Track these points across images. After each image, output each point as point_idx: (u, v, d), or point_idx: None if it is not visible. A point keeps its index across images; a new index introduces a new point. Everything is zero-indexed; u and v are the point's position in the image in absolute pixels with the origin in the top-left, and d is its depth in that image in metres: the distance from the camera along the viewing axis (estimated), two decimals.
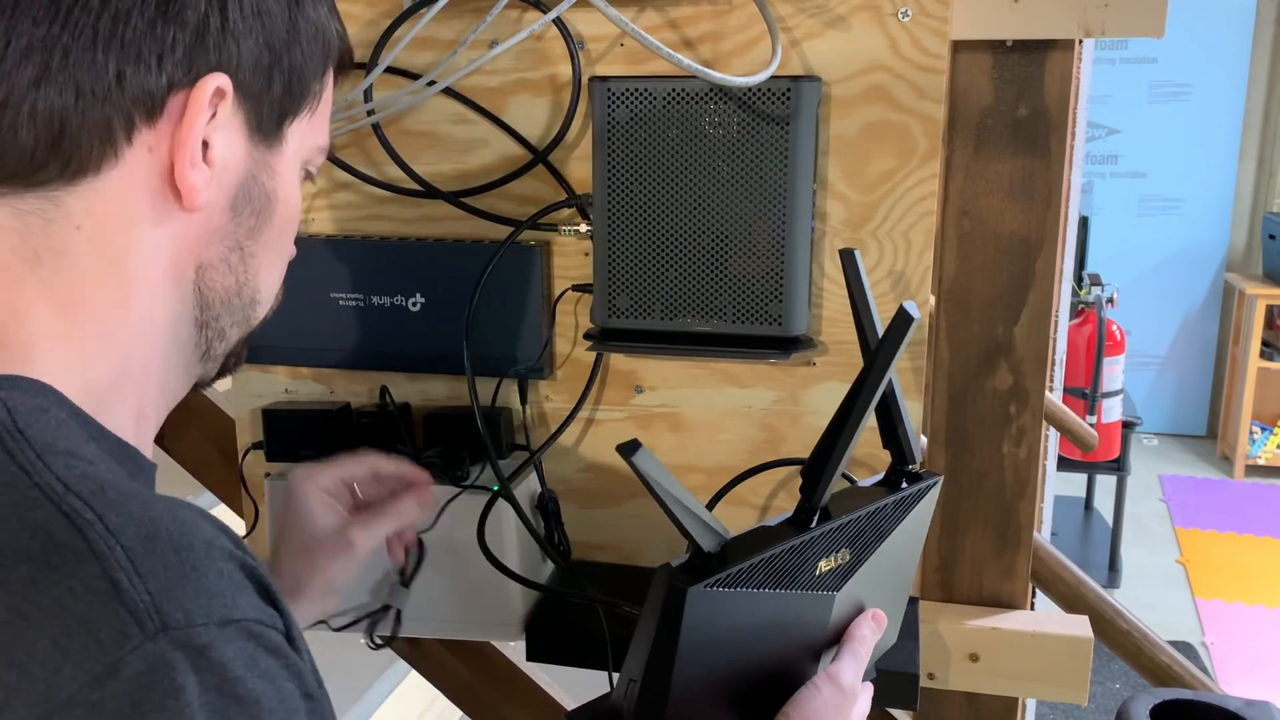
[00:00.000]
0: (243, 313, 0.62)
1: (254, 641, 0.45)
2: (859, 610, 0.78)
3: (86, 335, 0.55)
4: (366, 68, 0.99)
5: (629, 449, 0.67)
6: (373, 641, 1.02)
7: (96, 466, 0.49)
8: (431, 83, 0.94)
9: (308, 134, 0.63)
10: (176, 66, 0.54)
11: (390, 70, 0.99)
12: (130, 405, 0.57)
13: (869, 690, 0.78)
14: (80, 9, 0.53)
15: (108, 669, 0.42)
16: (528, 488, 1.03)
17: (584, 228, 0.98)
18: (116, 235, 0.55)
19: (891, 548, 0.77)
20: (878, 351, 0.67)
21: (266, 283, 0.64)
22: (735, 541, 0.70)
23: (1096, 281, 3.78)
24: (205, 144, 0.56)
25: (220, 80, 0.55)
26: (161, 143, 0.55)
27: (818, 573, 0.73)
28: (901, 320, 0.66)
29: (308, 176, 0.67)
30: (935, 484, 0.80)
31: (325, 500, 0.88)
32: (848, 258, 0.76)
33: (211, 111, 0.56)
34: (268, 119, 0.59)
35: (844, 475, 0.94)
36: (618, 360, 1.02)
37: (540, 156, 0.99)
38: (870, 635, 0.76)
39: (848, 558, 0.74)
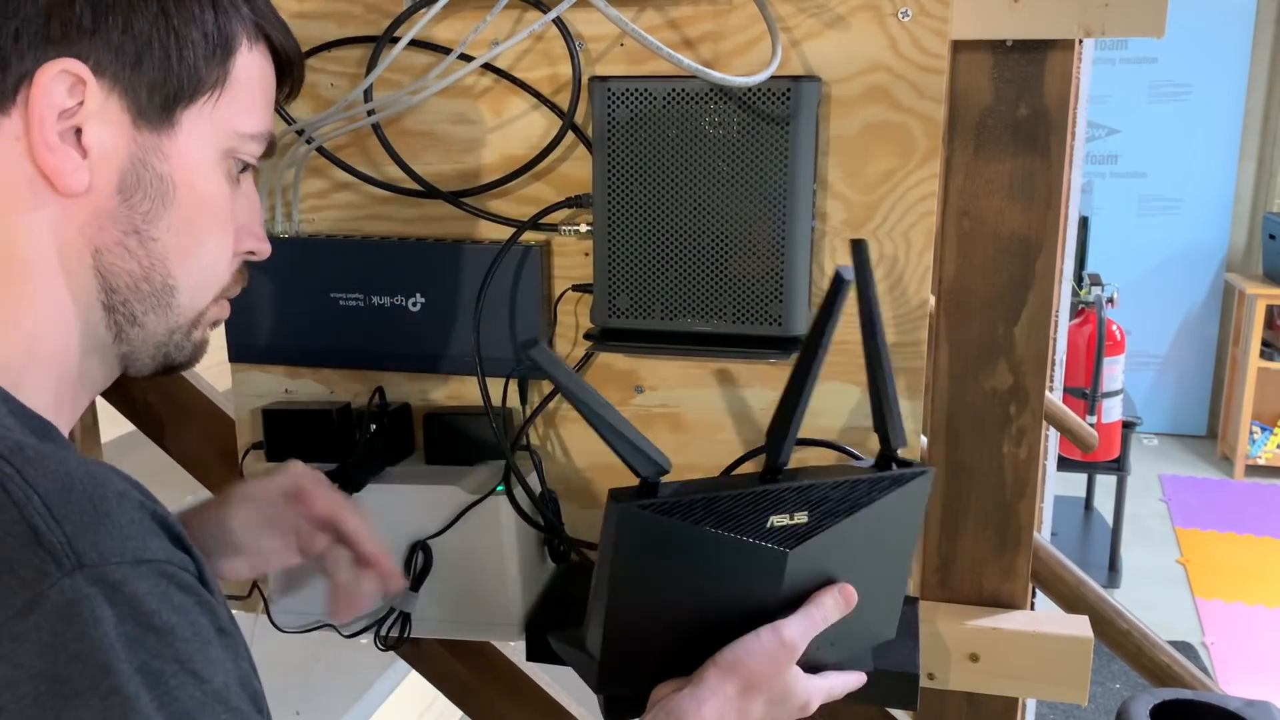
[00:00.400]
0: (156, 299, 0.63)
1: (166, 579, 0.49)
2: (827, 584, 0.79)
3: None
4: (367, 68, 0.99)
5: (529, 344, 0.72)
6: (381, 644, 1.02)
7: (14, 432, 0.52)
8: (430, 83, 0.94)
9: (219, 121, 0.64)
10: (24, 58, 0.57)
11: (416, 44, 0.98)
12: (47, 386, 0.60)
13: (836, 681, 0.80)
14: None
15: (29, 603, 0.45)
16: (533, 485, 1.03)
17: (584, 228, 0.98)
18: (3, 221, 0.58)
19: (866, 527, 0.78)
20: (818, 316, 0.72)
21: (183, 269, 0.64)
22: (692, 483, 0.75)
23: (1096, 281, 3.78)
24: (79, 131, 0.58)
25: (68, 64, 0.57)
26: (24, 131, 0.57)
27: (769, 525, 0.76)
28: (837, 284, 0.70)
29: (245, 167, 0.67)
30: (920, 475, 0.80)
31: (283, 490, 0.87)
32: (859, 248, 0.78)
33: (77, 100, 0.58)
34: (150, 105, 0.60)
35: (848, 452, 0.95)
36: (618, 360, 1.02)
37: (569, 121, 0.99)
38: (832, 605, 0.77)
39: (805, 520, 0.76)
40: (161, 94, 0.61)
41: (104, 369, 0.64)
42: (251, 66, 0.65)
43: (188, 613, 0.49)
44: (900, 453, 0.80)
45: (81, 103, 0.58)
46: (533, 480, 1.04)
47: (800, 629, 0.75)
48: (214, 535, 0.84)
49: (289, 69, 0.70)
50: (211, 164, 0.64)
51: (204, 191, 0.64)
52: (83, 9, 0.58)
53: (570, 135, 0.98)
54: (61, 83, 0.57)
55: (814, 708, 0.79)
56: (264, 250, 0.72)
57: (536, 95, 0.98)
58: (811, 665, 0.79)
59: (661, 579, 0.76)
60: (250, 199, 0.70)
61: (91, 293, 0.61)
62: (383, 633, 1.00)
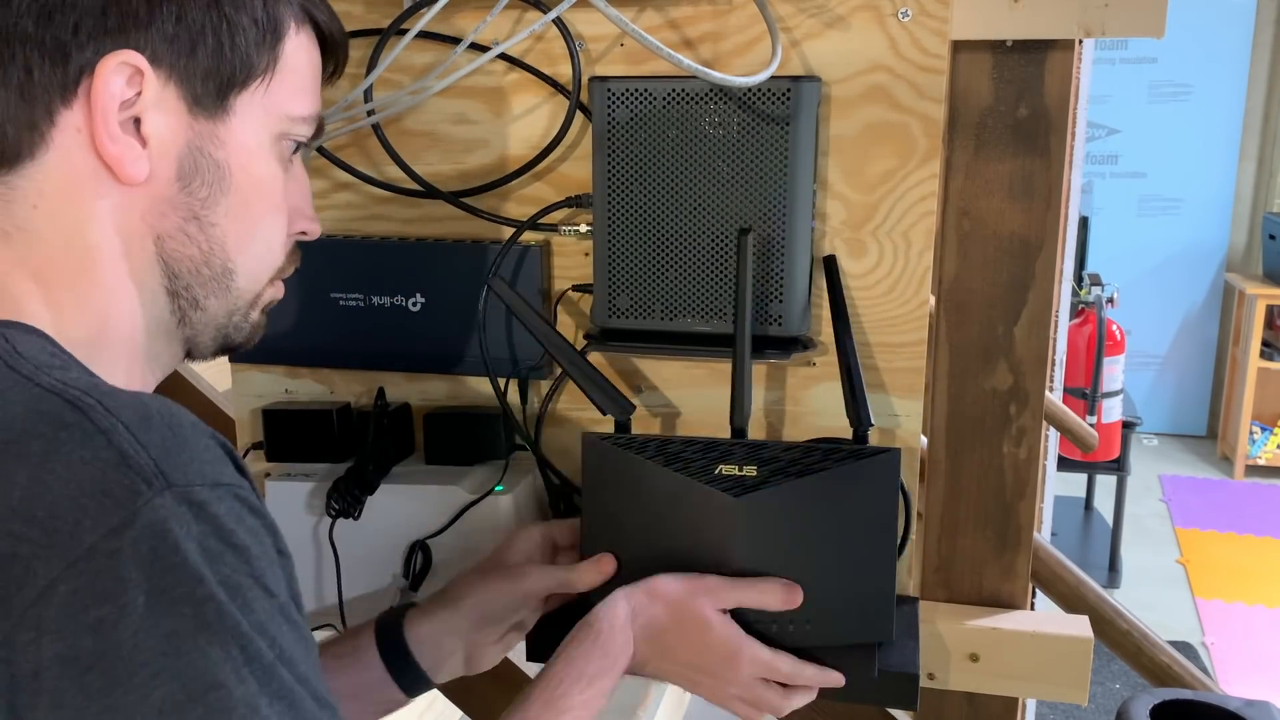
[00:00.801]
0: (217, 283, 0.65)
1: (240, 502, 0.52)
2: (786, 557, 0.85)
3: (63, 303, 0.60)
4: (367, 68, 0.99)
5: (493, 282, 0.89)
6: None
7: (90, 378, 0.55)
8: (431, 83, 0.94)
9: (270, 105, 0.65)
10: (82, 50, 0.58)
11: (426, 34, 0.98)
12: (119, 365, 0.63)
13: (786, 661, 0.84)
14: None
15: (124, 520, 0.47)
16: (531, 486, 1.03)
17: (584, 228, 0.98)
18: (69, 210, 0.60)
19: (824, 497, 0.85)
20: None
21: (241, 253, 0.66)
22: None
23: (1096, 281, 3.78)
24: (139, 122, 0.60)
25: (128, 56, 0.59)
26: (86, 122, 0.59)
27: (717, 472, 0.86)
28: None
29: (298, 148, 0.69)
30: (882, 454, 0.85)
31: (538, 542, 0.92)
32: (830, 264, 0.93)
33: (135, 90, 0.59)
34: (205, 93, 0.62)
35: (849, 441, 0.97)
36: (618, 360, 1.02)
37: (575, 102, 0.99)
38: (772, 591, 0.83)
39: (754, 473, 0.86)
40: (215, 81, 0.62)
41: (170, 351, 0.67)
42: (300, 50, 0.67)
43: (257, 534, 0.52)
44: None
45: (139, 93, 0.59)
46: (534, 480, 1.04)
47: (724, 583, 0.82)
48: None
49: (334, 49, 0.71)
50: (265, 148, 0.66)
51: (258, 176, 0.65)
52: (138, 1, 0.59)
53: (569, 135, 0.98)
54: (121, 74, 0.59)
55: (744, 665, 0.82)
56: (315, 230, 0.73)
57: (545, 79, 0.98)
58: (772, 639, 0.85)
59: (624, 510, 0.88)
60: (301, 181, 0.71)
61: (155, 278, 0.63)
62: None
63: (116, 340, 0.62)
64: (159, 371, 0.67)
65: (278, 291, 0.72)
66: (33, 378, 0.53)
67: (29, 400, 0.51)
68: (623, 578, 0.88)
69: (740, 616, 0.85)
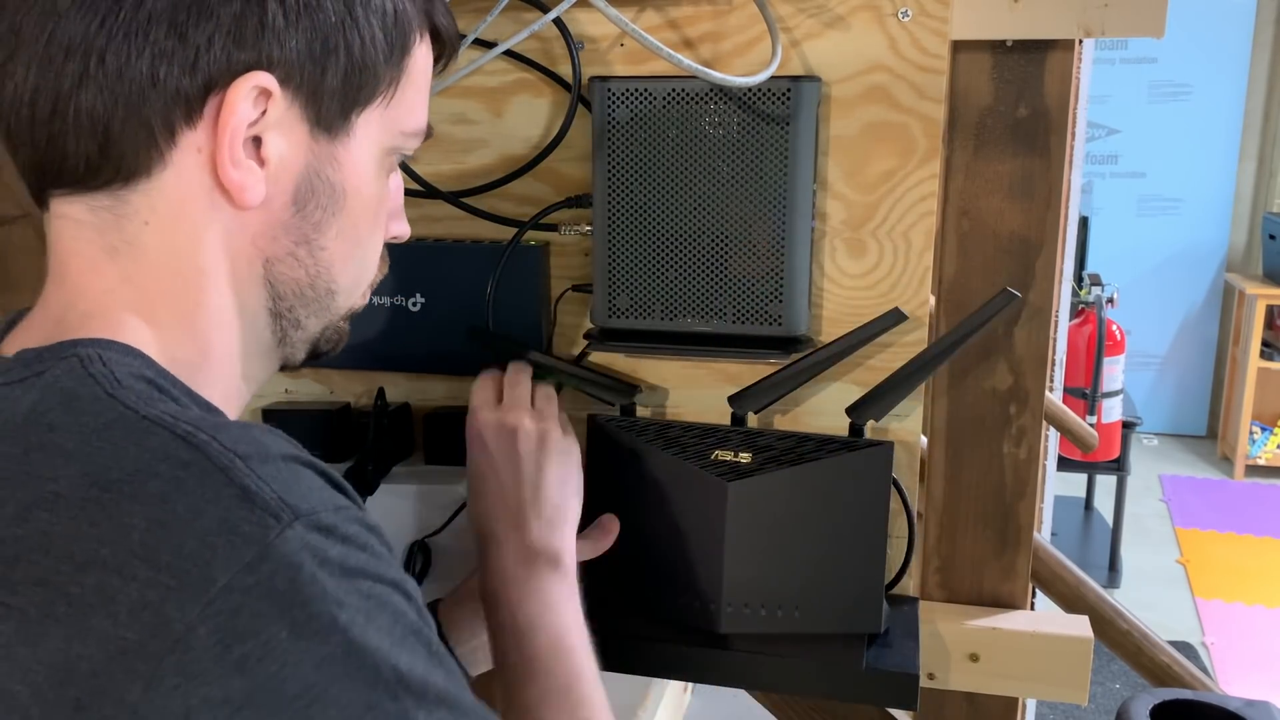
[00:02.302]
0: (319, 304, 0.64)
1: (359, 523, 0.52)
2: (778, 536, 0.88)
3: (166, 322, 0.58)
4: None
5: (472, 330, 0.95)
6: None
7: (189, 409, 0.54)
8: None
9: (388, 121, 0.62)
10: (213, 66, 0.55)
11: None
12: (217, 386, 0.60)
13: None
14: (113, 9, 0.53)
15: (258, 555, 0.46)
16: None
17: (584, 227, 0.98)
18: (181, 230, 0.58)
19: (817, 486, 0.87)
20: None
21: (343, 274, 0.64)
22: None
23: (1096, 281, 3.78)
24: (258, 141, 0.57)
25: (260, 79, 0.55)
26: (208, 143, 0.56)
27: (712, 456, 0.89)
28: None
29: (401, 163, 0.68)
30: (874, 448, 0.88)
31: None
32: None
33: (260, 110, 0.56)
34: (329, 112, 0.59)
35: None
36: (618, 360, 1.02)
37: (576, 94, 0.99)
38: (603, 528, 0.89)
39: (748, 459, 0.89)
40: (341, 100, 0.59)
41: (265, 368, 0.66)
42: (418, 60, 0.64)
43: (379, 550, 0.52)
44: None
45: (264, 113, 0.56)
46: None
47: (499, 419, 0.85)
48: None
49: (448, 50, 0.69)
50: (377, 165, 0.64)
51: (369, 195, 0.63)
52: (274, 13, 0.55)
53: (569, 135, 0.98)
54: (251, 97, 0.55)
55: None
56: (405, 232, 0.71)
57: (546, 72, 0.98)
58: (759, 626, 0.88)
59: (623, 489, 0.92)
60: (396, 183, 0.69)
61: (260, 301, 0.61)
62: None
63: (218, 361, 0.61)
64: (252, 388, 0.65)
65: (364, 298, 0.70)
66: (135, 408, 0.51)
67: (136, 434, 0.49)
68: (621, 556, 0.91)
69: (727, 603, 0.88)
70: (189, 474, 0.48)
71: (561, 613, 0.77)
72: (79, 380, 0.52)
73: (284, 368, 0.67)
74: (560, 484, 0.83)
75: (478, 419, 0.85)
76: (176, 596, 0.45)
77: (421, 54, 0.64)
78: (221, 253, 0.59)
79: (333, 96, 0.58)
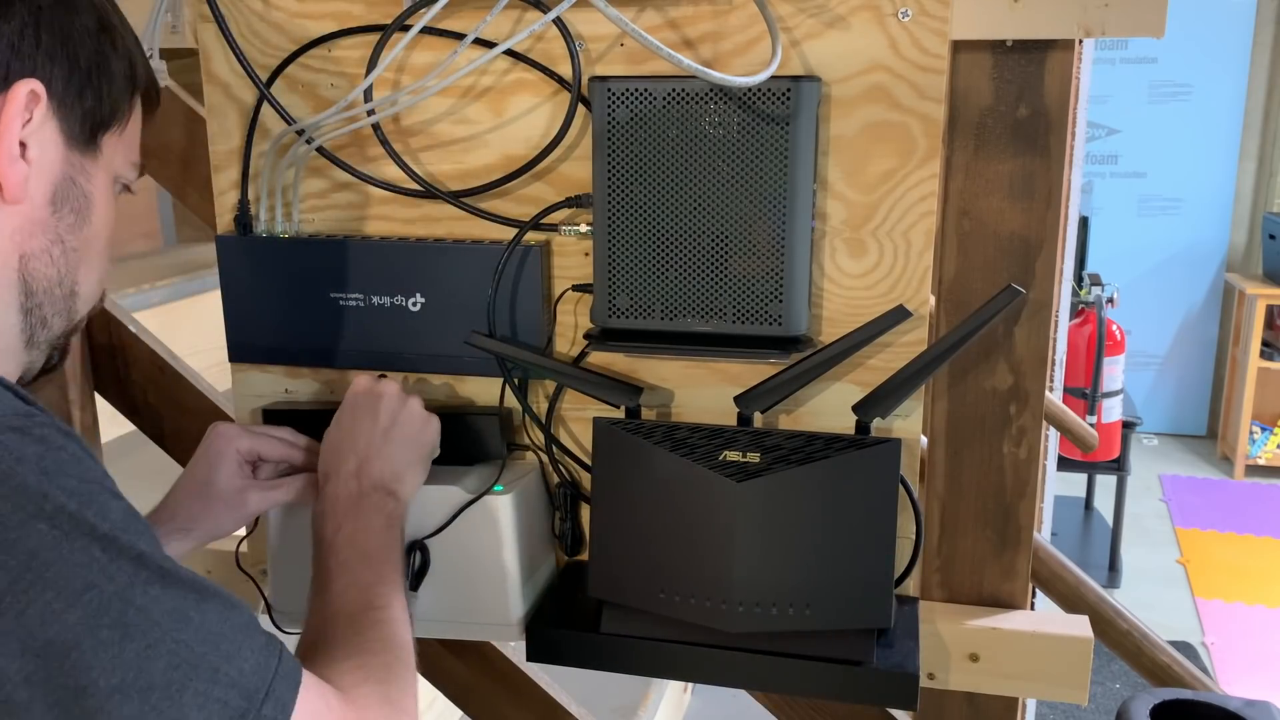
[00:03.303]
0: (64, 303, 0.70)
1: (53, 426, 0.58)
2: (783, 547, 0.89)
3: None
4: (367, 67, 0.99)
5: (470, 338, 0.97)
6: None
7: None
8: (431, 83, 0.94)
9: (119, 148, 0.73)
10: (3, 71, 0.63)
11: (426, 31, 0.98)
12: None
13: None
14: None
15: None
16: (530, 485, 1.02)
17: (584, 227, 0.98)
18: None
19: (825, 484, 0.88)
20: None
21: (86, 278, 0.72)
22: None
23: (1096, 281, 3.78)
24: (23, 144, 0.64)
25: (33, 85, 0.64)
26: None
27: (721, 458, 0.90)
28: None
29: (125, 189, 0.76)
30: (881, 446, 0.88)
31: (238, 461, 0.95)
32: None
33: (28, 115, 0.64)
34: (81, 128, 0.68)
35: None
36: (618, 360, 1.02)
37: (576, 95, 0.99)
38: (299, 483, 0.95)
39: (757, 459, 0.89)
40: (93, 120, 0.69)
41: (10, 370, 0.69)
42: (137, 101, 0.75)
43: (80, 450, 0.58)
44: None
45: (30, 119, 0.64)
46: (533, 479, 1.04)
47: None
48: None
49: (151, 103, 0.78)
50: (109, 187, 0.73)
51: (107, 211, 0.72)
52: (46, 32, 0.65)
53: (569, 135, 0.98)
54: (24, 100, 0.64)
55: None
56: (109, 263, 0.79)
57: (547, 71, 0.98)
58: (770, 623, 0.89)
59: (631, 492, 0.92)
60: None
61: (14, 295, 0.67)
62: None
63: None
64: None
65: (83, 321, 0.76)
66: None
67: None
68: (629, 558, 0.91)
69: (738, 603, 0.88)
70: None
71: (376, 532, 0.86)
72: None
73: (21, 380, 0.71)
74: (404, 442, 0.93)
75: (355, 384, 0.95)
76: None
77: (137, 99, 0.75)
78: None
79: (85, 115, 0.68)
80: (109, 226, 0.73)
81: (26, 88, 0.64)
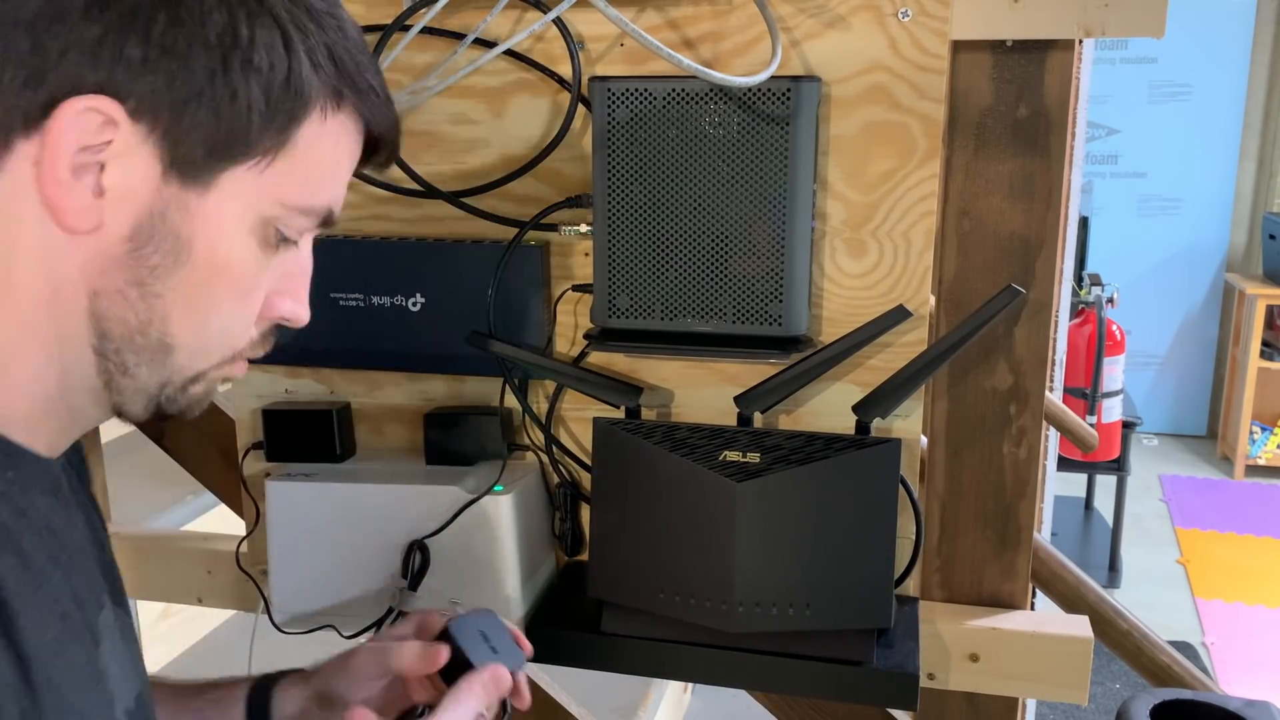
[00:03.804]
0: (151, 354, 0.60)
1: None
2: (785, 534, 0.88)
3: None
4: None
5: (474, 339, 0.95)
6: None
7: None
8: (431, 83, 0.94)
9: (265, 188, 0.59)
10: (59, 83, 0.54)
11: (426, 31, 0.98)
12: (18, 406, 0.59)
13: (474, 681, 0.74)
14: None
15: None
16: (530, 485, 1.03)
17: (584, 228, 0.98)
18: (4, 237, 0.56)
19: (825, 484, 0.88)
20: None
21: (185, 330, 0.60)
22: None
23: (1096, 281, 3.77)
24: (101, 168, 0.55)
25: (98, 103, 0.54)
26: (40, 158, 0.55)
27: (721, 458, 0.90)
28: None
29: (284, 240, 0.62)
30: (881, 446, 0.88)
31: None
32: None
33: (105, 138, 0.55)
34: (187, 159, 0.57)
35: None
36: (618, 360, 1.02)
37: (576, 95, 0.99)
38: (474, 694, 0.72)
39: (757, 459, 0.90)
40: (203, 149, 0.57)
41: (97, 409, 0.62)
42: (323, 136, 0.60)
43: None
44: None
45: (110, 141, 0.55)
46: (533, 479, 1.04)
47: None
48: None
49: (378, 143, 0.65)
50: (244, 230, 0.60)
51: (225, 257, 0.60)
52: (137, 43, 0.54)
53: (569, 135, 0.98)
54: (90, 120, 0.54)
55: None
56: (301, 318, 0.68)
57: (547, 71, 0.98)
58: (771, 624, 0.89)
59: (632, 492, 0.92)
60: (300, 263, 0.66)
61: (82, 333, 0.59)
62: (382, 633, 1.00)
63: (19, 384, 0.59)
64: (83, 424, 0.63)
65: (236, 371, 0.66)
66: None
67: None
68: (630, 558, 0.92)
69: (738, 603, 0.88)
70: None
71: None
72: None
73: (122, 418, 0.63)
74: None
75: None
76: None
77: (326, 130, 0.60)
78: (39, 271, 0.57)
79: (193, 145, 0.56)
80: (224, 279, 0.60)
81: (82, 105, 0.54)
